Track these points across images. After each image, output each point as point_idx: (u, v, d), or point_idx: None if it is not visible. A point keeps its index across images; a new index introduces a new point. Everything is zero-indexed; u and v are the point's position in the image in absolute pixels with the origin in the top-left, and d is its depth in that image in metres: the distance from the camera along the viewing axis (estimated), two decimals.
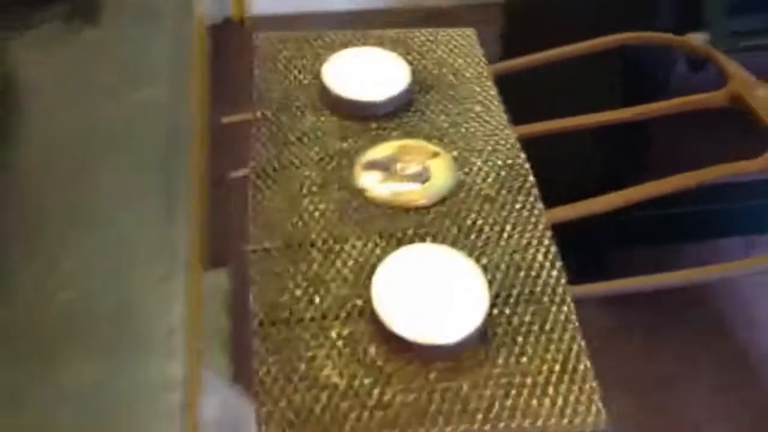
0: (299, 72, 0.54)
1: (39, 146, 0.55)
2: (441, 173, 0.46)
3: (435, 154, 0.47)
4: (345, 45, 0.56)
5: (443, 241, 0.43)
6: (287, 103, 0.52)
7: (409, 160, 0.47)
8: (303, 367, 0.38)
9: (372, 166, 0.47)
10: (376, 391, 0.37)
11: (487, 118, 0.51)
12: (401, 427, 0.36)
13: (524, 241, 0.44)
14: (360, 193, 0.46)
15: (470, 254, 0.43)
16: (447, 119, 0.51)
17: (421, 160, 0.47)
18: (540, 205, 0.45)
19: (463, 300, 0.39)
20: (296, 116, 0.51)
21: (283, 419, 0.36)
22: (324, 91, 0.52)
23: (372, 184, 0.46)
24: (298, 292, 0.41)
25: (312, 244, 0.43)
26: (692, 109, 0.53)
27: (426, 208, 0.45)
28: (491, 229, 0.44)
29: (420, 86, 0.53)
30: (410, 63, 0.54)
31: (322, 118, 0.51)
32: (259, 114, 0.51)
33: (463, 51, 0.57)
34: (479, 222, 0.45)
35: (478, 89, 0.54)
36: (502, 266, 0.42)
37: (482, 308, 0.39)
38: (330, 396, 0.37)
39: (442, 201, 0.46)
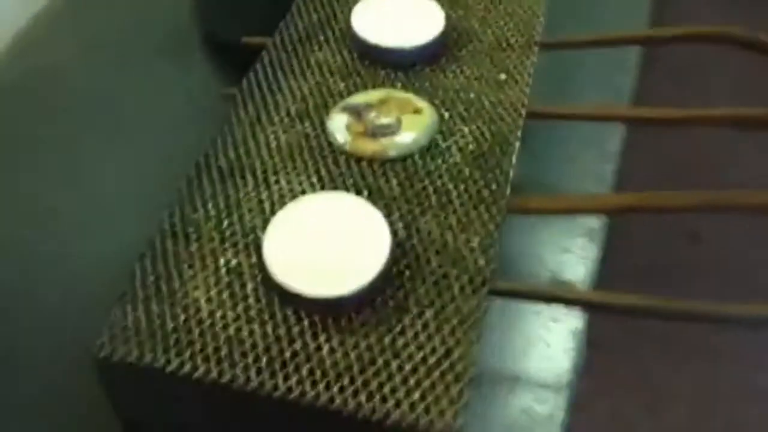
0: (338, 5, 0.52)
1: None
2: (411, 131, 0.43)
3: (417, 110, 0.44)
4: None
5: (380, 199, 0.40)
6: (310, 34, 0.50)
7: (385, 110, 0.43)
8: (177, 284, 0.37)
9: (346, 108, 0.44)
10: (234, 326, 0.35)
11: (506, 89, 0.46)
12: (229, 372, 0.34)
13: (464, 220, 0.39)
14: (321, 133, 0.43)
15: (402, 221, 0.39)
16: (461, 81, 0.47)
17: (398, 113, 0.43)
18: (504, 188, 0.40)
19: (356, 260, 0.36)
20: (311, 49, 0.49)
21: (132, 319, 0.35)
22: (349, 30, 0.49)
23: (336, 126, 0.43)
24: (213, 213, 0.40)
25: (252, 171, 0.42)
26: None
27: (379, 162, 0.42)
28: (438, 199, 0.40)
29: (452, 44, 0.49)
30: (453, 18, 0.51)
31: (337, 57, 0.49)
32: (277, 40, 0.50)
33: (521, 16, 0.51)
34: (429, 189, 0.41)
35: (513, 57, 0.48)
36: (427, 241, 0.38)
37: (370, 274, 0.36)
38: (188, 316, 0.36)
39: (401, 160, 0.42)
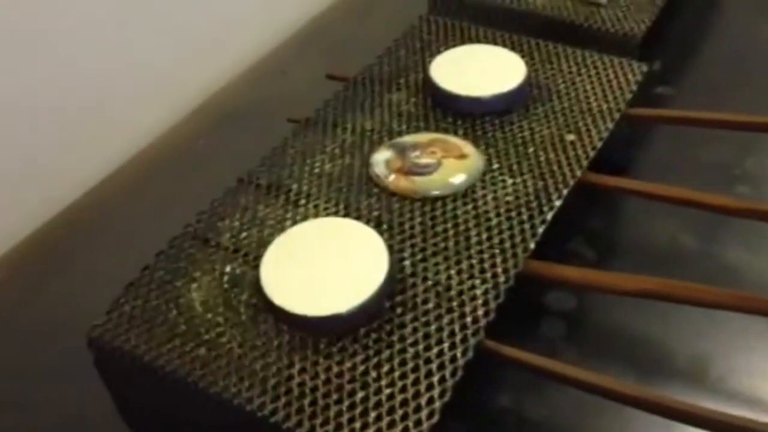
0: (426, 56, 0.53)
1: None
2: (449, 174, 0.42)
3: (462, 155, 0.43)
4: (490, 42, 0.53)
5: (398, 234, 0.39)
6: (393, 76, 0.51)
7: (429, 152, 0.43)
8: (181, 282, 0.38)
9: (393, 146, 0.44)
10: (220, 331, 0.36)
11: (569, 151, 0.44)
12: (201, 378, 0.34)
13: (476, 268, 0.37)
14: (364, 167, 0.43)
15: (413, 258, 0.38)
16: (524, 135, 0.45)
17: (441, 155, 0.43)
18: (528, 244, 0.38)
19: (347, 284, 0.36)
20: (388, 90, 0.50)
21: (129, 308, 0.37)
22: (426, 77, 0.49)
23: (377, 160, 0.43)
24: (236, 224, 0.41)
25: (286, 192, 0.43)
26: None
27: (410, 200, 0.41)
28: (455, 243, 0.39)
29: (528, 99, 0.48)
30: (538, 75, 0.49)
31: (411, 100, 0.49)
32: (359, 77, 0.51)
33: (612, 84, 0.49)
34: (449, 232, 0.39)
35: (589, 121, 0.46)
36: (431, 280, 0.37)
37: (356, 300, 0.35)
38: (178, 315, 0.36)
39: (432, 200, 0.41)
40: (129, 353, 0.35)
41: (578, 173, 0.43)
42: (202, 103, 0.65)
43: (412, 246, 0.39)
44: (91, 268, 0.51)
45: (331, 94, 0.50)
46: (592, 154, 0.44)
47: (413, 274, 0.37)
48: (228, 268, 0.38)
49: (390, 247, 0.38)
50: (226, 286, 0.38)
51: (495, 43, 0.52)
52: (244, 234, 0.40)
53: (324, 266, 0.36)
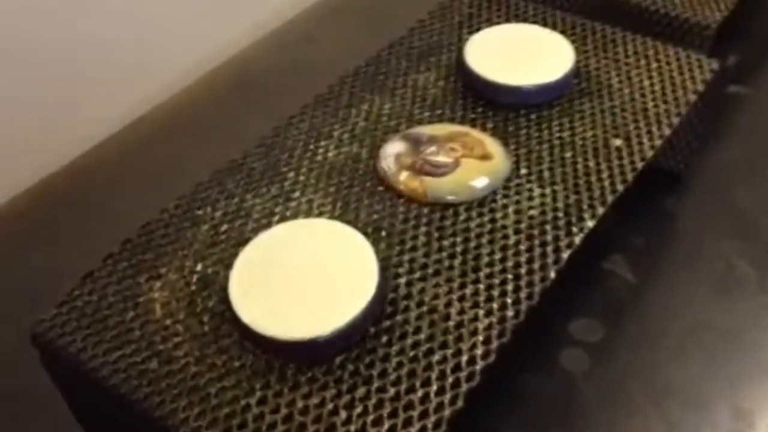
0: (463, 32, 0.46)
1: None
2: (466, 178, 0.36)
3: (485, 156, 0.37)
4: (538, 21, 0.46)
5: (397, 245, 0.34)
6: (423, 54, 0.45)
7: (447, 148, 0.37)
8: (144, 278, 0.33)
9: (407, 137, 0.38)
10: (170, 343, 0.31)
11: (614, 158, 0.38)
12: (147, 398, 0.29)
13: (482, 296, 0.32)
14: (371, 158, 0.38)
15: (408, 276, 0.33)
16: (564, 136, 0.39)
17: (461, 154, 0.37)
18: (548, 272, 0.32)
19: (328, 304, 0.30)
20: (416, 70, 0.44)
21: (81, 303, 0.32)
22: (459, 57, 0.43)
23: (387, 153, 0.37)
24: (218, 213, 0.36)
25: (280, 181, 0.37)
26: None
27: (416, 204, 0.35)
28: (462, 263, 0.33)
29: (575, 93, 0.42)
30: (588, 63, 0.43)
31: (440, 83, 0.43)
32: (384, 52, 0.45)
33: (675, 82, 0.42)
34: (456, 249, 0.34)
35: (642, 124, 0.40)
36: (427, 306, 0.32)
37: (333, 325, 0.30)
38: (134, 318, 0.32)
39: (441, 207, 0.35)
40: (72, 357, 0.31)
41: (620, 188, 0.36)
42: (216, 67, 0.59)
43: (412, 261, 0.33)
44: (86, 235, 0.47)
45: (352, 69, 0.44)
46: (640, 165, 0.38)
47: (407, 296, 0.32)
48: (199, 267, 0.33)
49: (385, 261, 0.32)
50: (193, 287, 0.33)
51: (543, 23, 0.46)
52: (224, 227, 0.35)
53: (303, 279, 0.31)
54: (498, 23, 0.46)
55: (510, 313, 0.31)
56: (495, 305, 0.31)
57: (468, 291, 0.32)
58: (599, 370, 0.38)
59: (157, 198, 0.37)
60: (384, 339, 0.30)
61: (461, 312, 0.31)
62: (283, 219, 0.35)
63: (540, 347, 0.39)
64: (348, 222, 0.34)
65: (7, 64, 0.47)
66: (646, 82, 0.42)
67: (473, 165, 0.36)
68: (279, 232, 0.33)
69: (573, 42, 0.44)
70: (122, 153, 0.53)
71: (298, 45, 0.61)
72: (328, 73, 0.44)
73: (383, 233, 0.34)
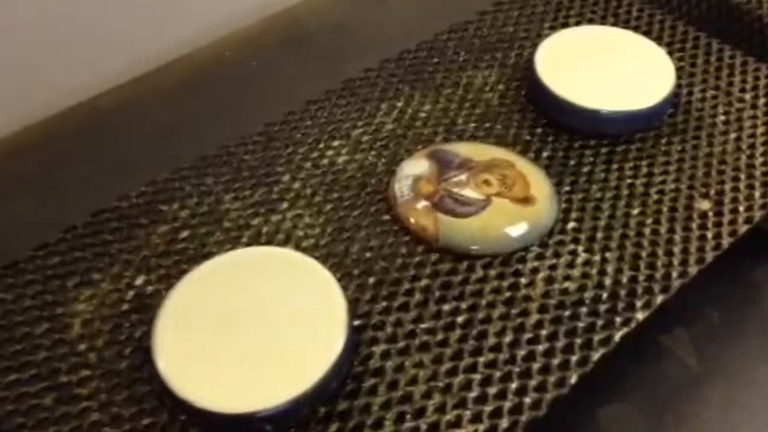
0: (541, 29, 0.38)
1: None
2: (492, 224, 0.28)
3: (526, 199, 0.29)
4: (634, 25, 0.37)
5: (387, 300, 0.26)
6: (484, 48, 0.37)
7: (481, 180, 0.29)
8: (72, 283, 0.27)
9: (435, 155, 0.30)
10: (75, 376, 0.25)
11: (694, 228, 0.29)
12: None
13: (459, 386, 0.24)
14: (386, 171, 0.30)
15: (393, 342, 0.25)
16: (638, 184, 0.31)
17: (496, 191, 0.29)
18: (551, 386, 0.25)
19: (278, 370, 0.24)
20: (472, 66, 0.36)
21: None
22: (529, 60, 0.35)
23: (406, 172, 0.30)
24: (184, 213, 0.29)
25: (268, 184, 0.30)
26: None
27: (424, 246, 0.28)
28: (444, 333, 0.26)
29: (666, 123, 0.33)
30: (692, 84, 0.34)
31: (498, 87, 0.35)
32: (440, 38, 0.37)
33: None
34: (459, 317, 0.26)
35: (743, 177, 0.31)
36: (407, 375, 0.24)
37: (289, 394, 0.23)
38: (45, 333, 0.26)
39: (453, 258, 0.28)
40: None
41: (693, 271, 0.28)
42: (270, 15, 0.52)
43: (397, 325, 0.26)
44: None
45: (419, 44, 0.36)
46: (727, 241, 0.29)
47: (378, 372, 0.25)
48: (140, 280, 0.27)
49: (362, 317, 0.25)
50: (125, 307, 0.26)
51: (647, 29, 0.37)
52: (185, 233, 0.29)
53: (251, 328, 0.25)
54: (588, 22, 0.37)
55: (504, 424, 0.23)
56: (488, 409, 0.24)
57: (457, 381, 0.24)
58: None
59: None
60: (334, 428, 0.23)
61: (440, 409, 0.24)
62: (255, 237, 0.28)
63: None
64: (334, 255, 0.27)
65: None
66: (761, 129, 0.33)
67: (507, 208, 0.28)
68: (238, 258, 0.26)
69: (679, 60, 0.35)
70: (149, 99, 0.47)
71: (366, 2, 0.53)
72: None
73: (371, 279, 0.27)
